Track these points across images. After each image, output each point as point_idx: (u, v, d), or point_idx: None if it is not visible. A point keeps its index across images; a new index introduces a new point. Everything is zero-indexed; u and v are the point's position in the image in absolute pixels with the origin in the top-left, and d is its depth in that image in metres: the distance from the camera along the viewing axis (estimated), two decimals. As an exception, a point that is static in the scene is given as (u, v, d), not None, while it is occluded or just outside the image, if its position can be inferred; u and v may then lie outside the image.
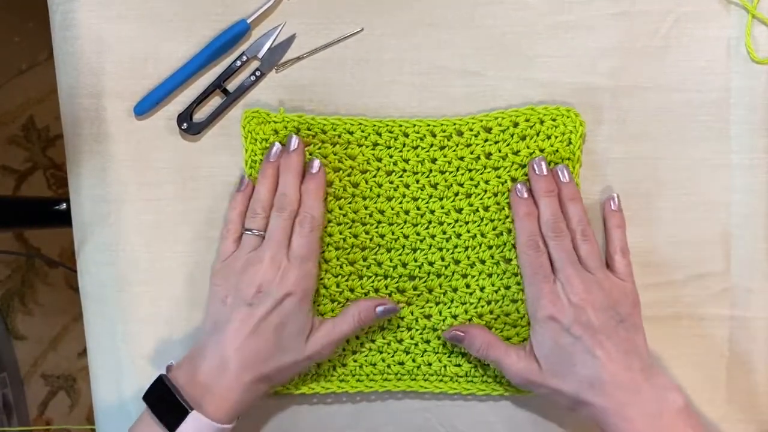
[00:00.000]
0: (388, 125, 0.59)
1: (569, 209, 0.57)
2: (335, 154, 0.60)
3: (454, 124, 0.59)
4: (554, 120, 0.59)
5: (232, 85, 0.61)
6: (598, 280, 0.55)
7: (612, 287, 0.55)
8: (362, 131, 0.59)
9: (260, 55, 0.60)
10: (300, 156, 0.58)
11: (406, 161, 0.60)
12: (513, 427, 0.61)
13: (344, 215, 0.60)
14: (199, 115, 0.61)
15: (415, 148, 0.59)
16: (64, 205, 0.96)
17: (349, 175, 0.60)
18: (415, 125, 0.59)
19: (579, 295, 0.54)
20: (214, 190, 0.61)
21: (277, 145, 0.58)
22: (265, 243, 0.56)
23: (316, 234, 0.57)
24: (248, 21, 0.59)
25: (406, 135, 0.59)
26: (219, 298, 0.56)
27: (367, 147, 0.60)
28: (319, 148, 0.60)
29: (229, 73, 0.60)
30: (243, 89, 0.60)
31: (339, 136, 0.59)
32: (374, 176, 0.60)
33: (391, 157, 0.59)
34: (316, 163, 0.58)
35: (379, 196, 0.60)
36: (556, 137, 0.59)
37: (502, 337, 0.60)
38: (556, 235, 0.56)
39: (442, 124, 0.59)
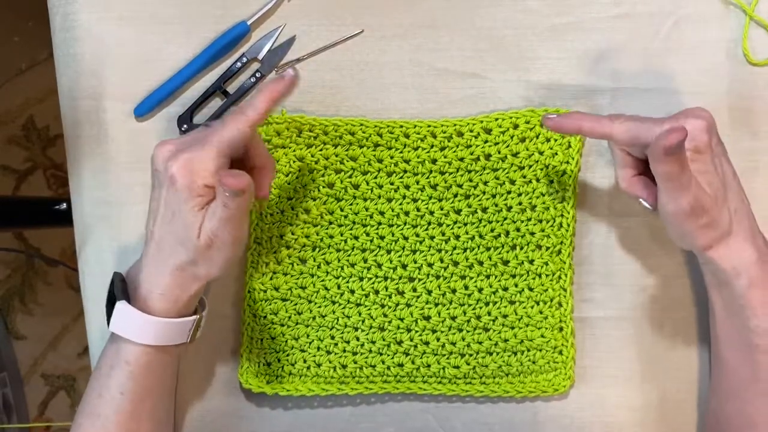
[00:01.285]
0: (389, 126, 0.59)
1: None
2: (337, 156, 0.60)
3: (455, 125, 0.59)
4: None
5: (232, 87, 0.61)
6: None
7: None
8: (363, 132, 0.59)
9: (260, 56, 0.60)
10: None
11: (407, 162, 0.60)
12: (511, 428, 0.61)
13: (345, 216, 0.60)
14: (200, 117, 0.61)
15: (416, 148, 0.60)
16: (64, 205, 0.96)
17: (350, 176, 0.60)
18: (415, 126, 0.59)
19: (702, 115, 0.51)
20: (214, 191, 0.61)
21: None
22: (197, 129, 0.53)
23: (238, 129, 0.50)
24: (248, 23, 0.60)
25: (407, 136, 0.60)
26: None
27: (368, 148, 0.60)
28: (321, 150, 0.60)
29: (230, 74, 0.60)
30: (243, 91, 0.60)
31: (340, 137, 0.60)
32: (375, 177, 0.60)
33: (392, 158, 0.60)
34: (290, 72, 0.52)
35: (379, 197, 0.60)
36: (556, 140, 0.59)
37: (499, 339, 0.60)
38: (613, 118, 0.52)
39: (442, 125, 0.59)
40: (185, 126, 0.60)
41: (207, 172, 0.49)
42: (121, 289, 0.52)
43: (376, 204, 0.60)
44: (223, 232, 0.50)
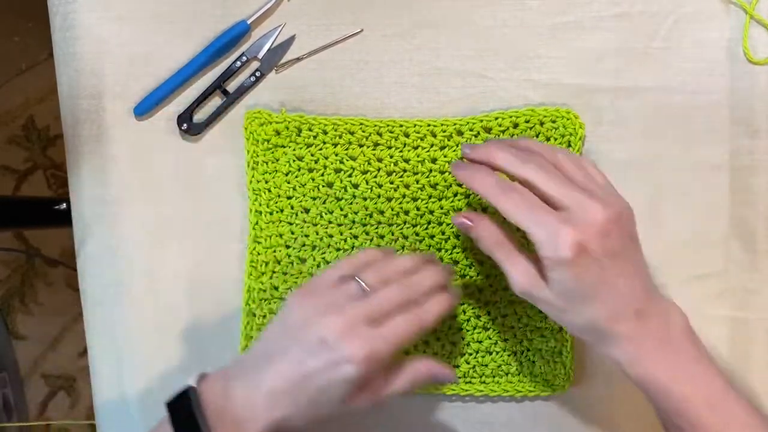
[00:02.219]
0: (389, 125, 0.59)
1: (523, 145, 0.51)
2: (336, 155, 0.60)
3: (455, 124, 0.59)
4: (554, 122, 0.59)
5: (232, 86, 0.61)
6: (607, 192, 0.49)
7: (619, 206, 0.48)
8: (363, 131, 0.59)
9: (260, 55, 0.60)
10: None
11: (407, 161, 0.60)
12: (512, 428, 0.61)
13: (345, 216, 0.60)
14: (199, 116, 0.61)
15: (416, 148, 0.60)
16: (64, 205, 0.96)
17: (350, 175, 0.60)
18: (415, 125, 0.59)
19: (601, 214, 0.46)
20: (214, 190, 0.61)
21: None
22: (364, 300, 0.49)
23: (415, 333, 0.49)
24: (248, 22, 0.60)
25: (407, 135, 0.59)
26: (285, 322, 0.50)
27: (368, 147, 0.60)
28: (320, 149, 0.60)
29: (229, 73, 0.60)
30: (243, 90, 0.60)
31: (340, 137, 0.60)
32: (375, 177, 0.60)
33: (391, 157, 0.60)
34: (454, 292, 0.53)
35: (379, 196, 0.60)
36: (556, 139, 0.59)
37: (499, 339, 0.60)
38: (525, 161, 0.48)
39: (442, 124, 0.59)
40: (185, 125, 0.60)
41: (382, 365, 0.48)
42: (203, 420, 0.47)
43: (375, 203, 0.60)
44: (362, 402, 0.49)
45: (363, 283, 0.50)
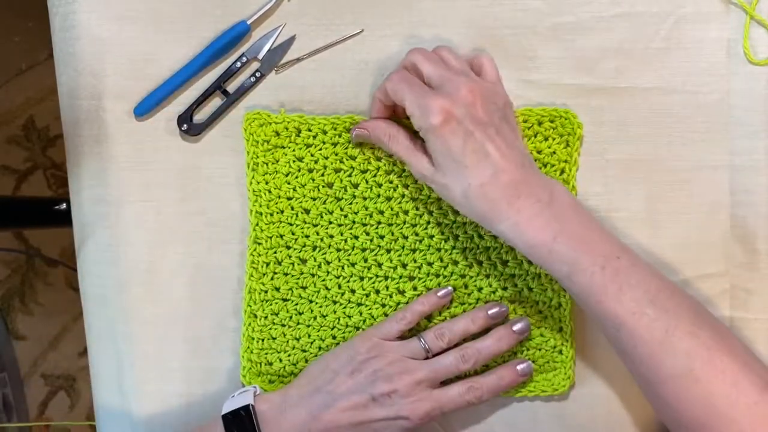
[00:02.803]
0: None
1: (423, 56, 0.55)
2: (336, 155, 0.60)
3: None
4: (552, 121, 0.59)
5: (232, 87, 0.61)
6: (475, 79, 0.54)
7: (487, 86, 0.54)
8: None
9: (260, 56, 0.60)
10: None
11: None
12: (511, 427, 0.61)
13: (345, 216, 0.60)
14: (200, 116, 0.61)
15: None
16: (64, 205, 0.96)
17: (349, 175, 0.60)
18: None
19: (465, 86, 0.51)
20: (214, 191, 0.61)
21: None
22: (426, 364, 0.56)
23: (471, 405, 0.57)
24: (248, 22, 0.60)
25: None
26: (348, 362, 0.56)
27: (367, 146, 0.60)
28: (320, 149, 0.60)
29: (229, 74, 0.60)
30: (243, 90, 0.60)
31: (339, 136, 0.60)
32: (374, 176, 0.60)
33: (390, 156, 0.60)
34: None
35: (378, 196, 0.60)
36: (554, 139, 0.59)
37: None
38: (428, 60, 0.54)
39: None
40: (185, 125, 0.60)
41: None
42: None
43: (375, 203, 0.60)
44: None
45: (424, 345, 0.56)
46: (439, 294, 0.59)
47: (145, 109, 0.60)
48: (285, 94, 0.61)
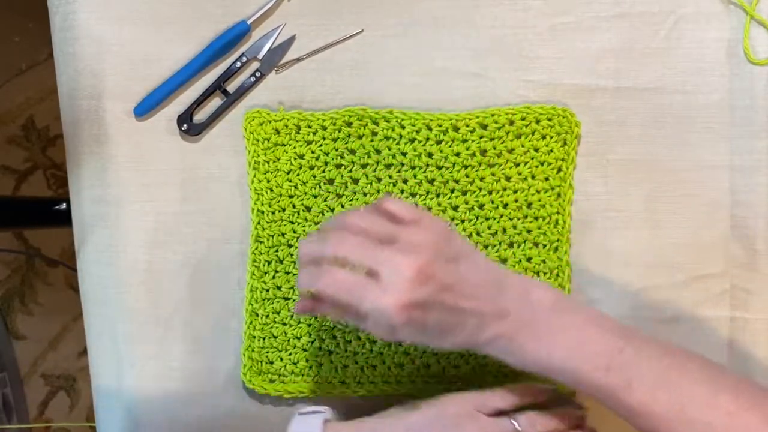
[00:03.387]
0: (384, 116, 0.60)
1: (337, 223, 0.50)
2: (336, 150, 0.60)
3: (451, 119, 0.59)
4: (550, 120, 0.59)
5: (232, 86, 0.61)
6: (409, 241, 0.47)
7: (423, 236, 0.47)
8: (360, 120, 0.59)
9: (260, 56, 0.60)
10: None
11: (404, 154, 0.60)
12: None
13: (345, 215, 0.60)
14: (200, 116, 0.61)
15: (412, 141, 0.60)
16: (64, 205, 0.96)
17: (350, 171, 0.60)
18: (411, 117, 0.60)
19: (409, 266, 0.45)
20: (214, 191, 0.61)
21: None
22: None
23: None
24: (248, 22, 0.60)
25: (403, 126, 0.60)
26: (435, 421, 0.51)
27: (366, 138, 0.60)
28: (320, 146, 0.60)
29: (229, 74, 0.60)
30: (243, 90, 0.60)
31: (339, 130, 0.60)
32: (374, 170, 0.60)
33: (389, 149, 0.60)
34: None
35: (378, 191, 0.60)
36: (552, 137, 0.59)
37: None
38: (323, 240, 0.48)
39: (438, 118, 0.59)
40: (185, 125, 0.60)
41: None
42: None
43: (375, 198, 0.60)
44: None
45: (517, 426, 0.51)
46: (539, 390, 0.55)
47: (145, 109, 0.60)
48: (285, 93, 0.61)
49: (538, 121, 0.59)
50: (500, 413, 0.53)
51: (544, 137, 0.59)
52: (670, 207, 0.60)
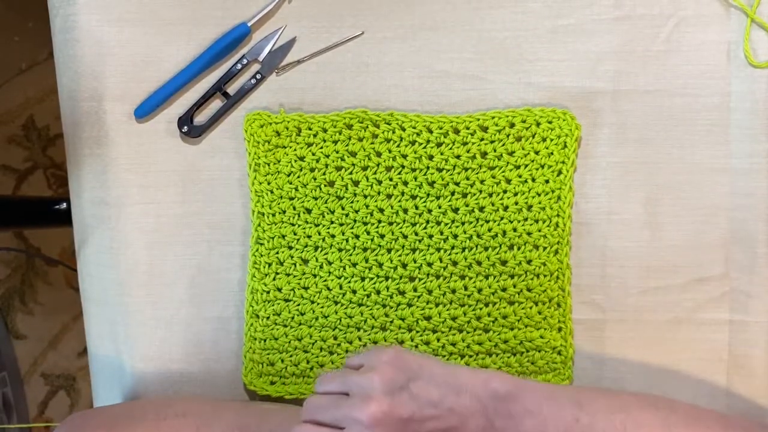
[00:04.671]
0: (385, 118, 0.60)
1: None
2: (337, 152, 0.60)
3: (451, 121, 0.59)
4: (550, 122, 0.59)
5: (232, 89, 0.61)
6: (360, 379, 0.49)
7: (372, 370, 0.49)
8: (361, 123, 0.60)
9: (261, 58, 0.60)
10: None
11: (404, 156, 0.60)
12: None
13: (346, 215, 0.60)
14: (200, 118, 0.61)
15: (413, 143, 0.60)
16: (64, 205, 0.96)
17: (350, 173, 0.60)
18: (411, 120, 0.60)
19: (360, 423, 0.47)
20: (214, 192, 0.61)
21: None
22: None
23: None
24: (249, 24, 0.60)
25: (403, 129, 0.60)
26: None
27: (367, 140, 0.60)
28: (321, 148, 0.60)
29: (230, 76, 0.60)
30: (243, 92, 0.60)
31: (339, 133, 0.60)
32: (374, 173, 0.60)
33: (390, 151, 0.60)
34: None
35: (379, 193, 0.60)
36: (552, 140, 0.59)
37: (499, 340, 0.60)
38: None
39: (439, 121, 0.60)
40: (185, 127, 0.60)
41: None
42: None
43: (375, 201, 0.60)
44: None
45: None
46: None
47: (146, 110, 0.60)
48: (285, 95, 0.61)
49: (538, 124, 0.59)
50: None
51: (544, 140, 0.59)
52: (670, 210, 0.60)
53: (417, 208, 0.60)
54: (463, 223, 0.60)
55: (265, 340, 0.61)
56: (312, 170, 0.60)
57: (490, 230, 0.60)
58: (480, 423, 0.49)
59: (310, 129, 0.60)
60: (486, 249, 0.60)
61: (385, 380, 0.48)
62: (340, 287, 0.60)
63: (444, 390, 0.49)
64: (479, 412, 0.49)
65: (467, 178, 0.60)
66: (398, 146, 0.60)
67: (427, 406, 0.49)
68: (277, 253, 0.60)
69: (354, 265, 0.60)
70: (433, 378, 0.50)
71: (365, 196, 0.60)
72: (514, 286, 0.60)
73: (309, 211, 0.60)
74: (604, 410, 0.51)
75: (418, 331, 0.60)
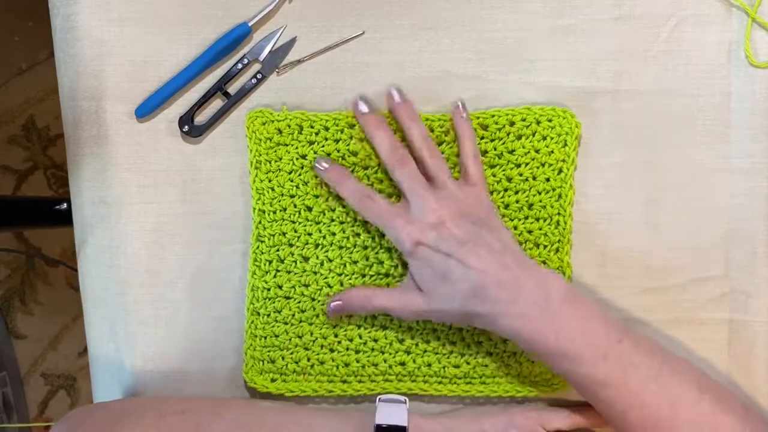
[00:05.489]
0: (388, 117, 0.60)
1: (411, 129, 0.57)
2: (338, 151, 0.60)
3: (452, 120, 0.59)
4: (550, 121, 0.59)
5: (233, 88, 0.61)
6: (450, 192, 0.55)
7: (465, 195, 0.55)
8: None
9: (261, 58, 0.60)
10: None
11: None
12: None
13: (347, 214, 0.60)
14: (201, 118, 0.61)
15: None
16: (65, 205, 0.96)
17: (352, 171, 0.60)
18: None
19: (435, 212, 0.53)
20: (214, 192, 0.61)
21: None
22: None
23: None
24: (249, 24, 0.60)
25: None
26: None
27: (368, 141, 0.60)
28: (323, 146, 0.60)
29: (231, 75, 0.60)
30: (244, 92, 0.60)
31: (341, 131, 0.60)
32: (375, 172, 0.60)
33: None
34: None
35: (380, 192, 0.60)
36: (552, 138, 0.59)
37: (499, 339, 0.60)
38: (400, 163, 0.56)
39: (439, 119, 0.60)
40: (186, 127, 0.60)
41: None
42: None
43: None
44: None
45: None
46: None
47: (146, 110, 0.60)
48: (286, 95, 0.61)
49: (538, 122, 0.59)
50: None
51: (544, 138, 0.59)
52: (670, 209, 0.60)
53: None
54: None
55: (265, 338, 0.61)
56: (313, 168, 0.60)
57: None
58: (510, 308, 0.52)
59: (312, 127, 0.60)
60: None
61: (472, 204, 0.55)
62: (341, 284, 0.60)
63: (506, 251, 0.54)
64: (524, 297, 0.52)
65: None
66: None
67: (482, 249, 0.53)
68: (278, 250, 0.60)
69: (354, 262, 0.60)
70: (501, 239, 0.55)
71: None
72: None
73: (310, 209, 0.60)
74: (646, 343, 0.53)
75: (418, 330, 0.60)
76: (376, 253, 0.60)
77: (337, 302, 0.58)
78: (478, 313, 0.53)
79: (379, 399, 0.57)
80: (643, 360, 0.51)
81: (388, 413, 0.54)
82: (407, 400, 0.57)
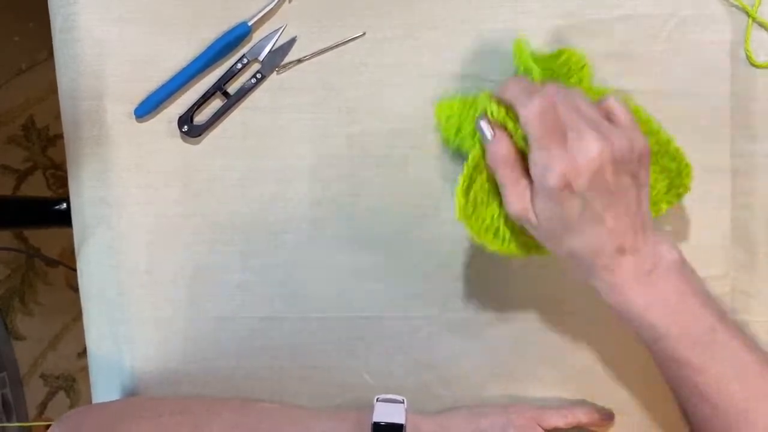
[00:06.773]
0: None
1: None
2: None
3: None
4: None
5: (232, 88, 0.61)
6: (616, 131, 0.48)
7: (623, 144, 0.48)
8: None
9: (261, 57, 0.60)
10: None
11: None
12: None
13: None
14: (200, 118, 0.61)
15: None
16: (64, 205, 0.96)
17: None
18: None
19: (596, 148, 0.46)
20: (214, 192, 0.61)
21: None
22: None
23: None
24: (249, 23, 0.59)
25: None
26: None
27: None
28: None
29: (230, 75, 0.60)
30: (244, 92, 0.60)
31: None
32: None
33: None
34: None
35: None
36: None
37: None
38: (566, 92, 0.49)
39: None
40: (186, 127, 0.60)
41: None
42: None
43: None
44: None
45: None
46: (603, 416, 0.60)
47: (146, 110, 0.60)
48: (286, 95, 0.61)
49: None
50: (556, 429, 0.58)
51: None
52: (671, 209, 0.60)
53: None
54: None
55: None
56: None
57: None
58: (620, 265, 0.49)
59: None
60: None
61: (629, 152, 0.48)
62: None
63: (639, 213, 0.50)
64: (635, 257, 0.49)
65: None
66: None
67: (621, 206, 0.48)
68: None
69: None
70: (641, 199, 0.50)
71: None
72: None
73: None
74: (739, 339, 0.50)
75: None
76: None
77: (488, 134, 0.51)
78: (582, 259, 0.50)
79: (377, 398, 0.57)
80: (732, 356, 0.49)
81: (386, 412, 0.54)
82: (405, 399, 0.56)
